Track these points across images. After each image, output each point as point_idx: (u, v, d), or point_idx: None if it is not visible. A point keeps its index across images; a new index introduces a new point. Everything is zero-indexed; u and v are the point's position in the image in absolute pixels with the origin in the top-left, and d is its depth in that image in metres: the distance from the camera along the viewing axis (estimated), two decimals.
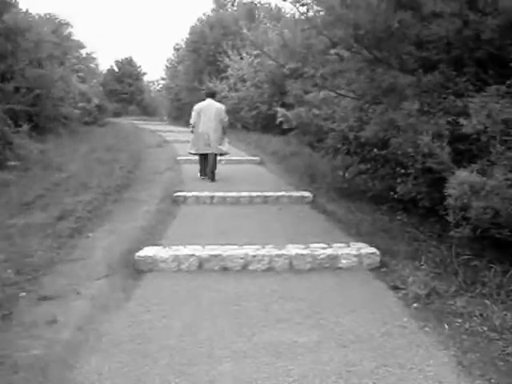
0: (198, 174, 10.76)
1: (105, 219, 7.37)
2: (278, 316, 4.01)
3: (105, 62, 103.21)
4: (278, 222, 7.16)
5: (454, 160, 4.81)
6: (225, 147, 10.80)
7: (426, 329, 3.83)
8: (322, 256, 5.15)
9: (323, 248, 5.40)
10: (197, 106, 10.67)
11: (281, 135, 17.14)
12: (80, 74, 25.41)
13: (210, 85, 26.32)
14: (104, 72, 53.84)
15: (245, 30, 26.43)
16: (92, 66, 46.64)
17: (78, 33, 77.08)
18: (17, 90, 15.80)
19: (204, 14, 34.66)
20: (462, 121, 4.63)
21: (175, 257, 5.06)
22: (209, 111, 10.45)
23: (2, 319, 3.88)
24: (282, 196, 8.68)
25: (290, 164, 12.74)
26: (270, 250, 5.27)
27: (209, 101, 10.64)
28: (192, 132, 10.70)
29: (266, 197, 8.62)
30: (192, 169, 11.56)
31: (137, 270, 4.99)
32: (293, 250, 5.30)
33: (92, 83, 26.70)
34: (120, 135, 21.75)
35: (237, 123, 23.71)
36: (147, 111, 54.75)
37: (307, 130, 9.97)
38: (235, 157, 13.97)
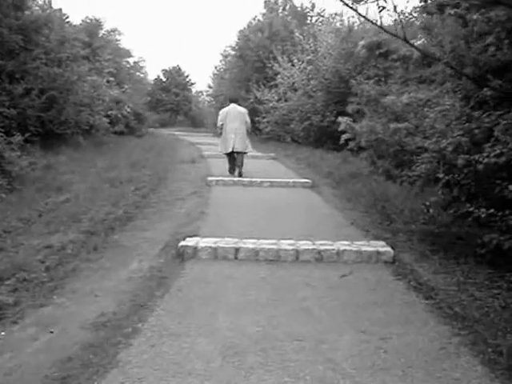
0: (227, 173, 11.62)
1: (56, 290, 4.55)
2: None
3: (151, 72, 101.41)
4: (343, 318, 3.95)
5: None
6: (249, 147, 11.85)
7: None
8: None
9: None
10: (222, 111, 11.91)
11: (335, 151, 14.24)
12: (111, 79, 22.83)
13: (258, 94, 23.66)
14: (151, 82, 51.86)
15: (297, 34, 23.57)
16: (139, 74, 44.65)
17: (126, 41, 76.05)
18: (28, 92, 13.29)
19: (254, 19, 31.94)
20: None
21: None
22: (233, 114, 11.52)
23: None
24: (346, 250, 5.60)
25: (351, 190, 9.69)
26: None
27: (233, 105, 11.80)
28: (220, 134, 11.71)
29: (320, 251, 5.57)
30: (223, 193, 9.87)
31: None
32: None
33: (123, 89, 24.01)
34: (153, 148, 19.07)
35: (286, 136, 20.80)
36: (195, 122, 52.32)
37: (383, 151, 6.68)
38: (281, 178, 11.26)
